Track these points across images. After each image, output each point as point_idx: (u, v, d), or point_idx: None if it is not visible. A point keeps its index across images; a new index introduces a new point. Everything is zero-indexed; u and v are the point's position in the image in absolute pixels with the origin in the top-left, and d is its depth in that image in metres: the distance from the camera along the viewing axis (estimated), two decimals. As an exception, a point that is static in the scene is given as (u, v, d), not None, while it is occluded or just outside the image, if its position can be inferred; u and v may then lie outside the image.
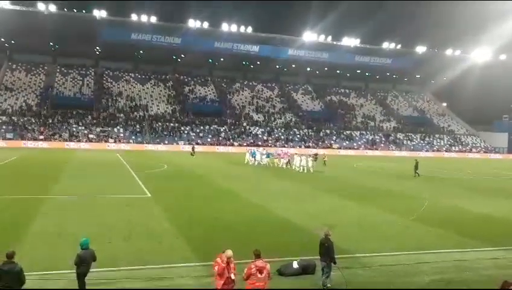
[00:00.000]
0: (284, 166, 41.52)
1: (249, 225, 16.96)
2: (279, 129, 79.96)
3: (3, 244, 11.40)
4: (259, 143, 72.93)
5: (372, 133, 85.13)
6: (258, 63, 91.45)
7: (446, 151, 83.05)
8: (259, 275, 8.55)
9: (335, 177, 36.00)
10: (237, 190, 25.87)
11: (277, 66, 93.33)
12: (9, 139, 61.94)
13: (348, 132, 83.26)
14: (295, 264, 11.45)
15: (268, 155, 45.42)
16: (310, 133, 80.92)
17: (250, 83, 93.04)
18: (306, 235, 15.47)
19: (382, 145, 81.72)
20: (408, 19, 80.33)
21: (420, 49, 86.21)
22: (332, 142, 79.17)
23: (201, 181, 30.14)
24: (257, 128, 78.69)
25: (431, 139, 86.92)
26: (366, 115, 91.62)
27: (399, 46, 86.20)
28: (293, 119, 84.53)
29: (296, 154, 41.41)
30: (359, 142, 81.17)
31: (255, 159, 44.57)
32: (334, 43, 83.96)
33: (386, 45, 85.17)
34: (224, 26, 76.38)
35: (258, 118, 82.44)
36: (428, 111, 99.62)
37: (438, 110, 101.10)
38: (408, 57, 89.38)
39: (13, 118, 67.00)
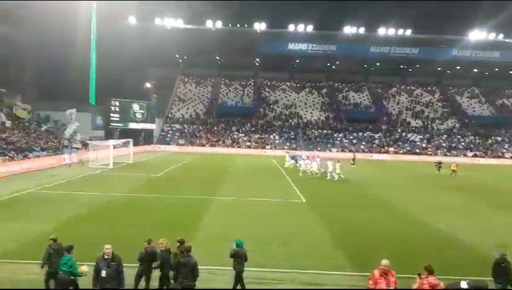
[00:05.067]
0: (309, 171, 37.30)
1: (408, 238, 16.13)
2: (440, 136, 74.28)
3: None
4: (417, 151, 68.94)
5: (557, 141, 73.25)
6: (417, 66, 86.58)
7: None
8: None
9: (510, 190, 32.03)
10: (392, 200, 24.88)
11: (438, 68, 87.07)
12: (181, 144, 69.77)
13: (525, 140, 73.13)
14: (464, 284, 10.48)
15: (295, 159, 42.50)
16: (477, 140, 73.25)
17: (408, 87, 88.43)
18: (473, 253, 14.20)
19: None
20: None
21: None
22: (504, 151, 70.40)
23: (356, 188, 29.71)
24: (415, 135, 74.33)
25: None
26: (548, 120, 79.29)
27: None
28: (457, 126, 77.62)
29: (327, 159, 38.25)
30: (539, 152, 70.62)
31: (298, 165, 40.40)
32: (507, 40, 74.74)
33: None
34: (381, 31, 74.28)
35: (416, 123, 77.84)
36: None
37: None
38: None
39: (184, 125, 75.38)
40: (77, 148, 45.57)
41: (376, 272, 8.42)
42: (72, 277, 9.14)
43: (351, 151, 63.61)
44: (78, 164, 39.74)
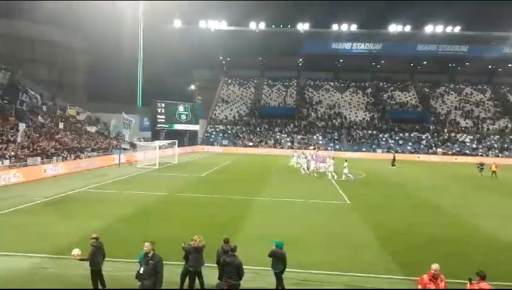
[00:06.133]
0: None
1: (455, 242, 15.61)
2: (491, 137, 71.14)
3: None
4: (467, 151, 66.33)
5: None
6: (467, 64, 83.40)
7: None
8: None
9: None
10: (437, 202, 24.27)
11: (489, 66, 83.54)
12: (225, 145, 70.58)
13: None
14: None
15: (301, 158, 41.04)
16: (532, 141, 69.65)
17: (457, 86, 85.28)
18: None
19: None
20: None
21: None
22: None
23: (400, 190, 29.07)
24: (465, 135, 71.58)
25: None
26: None
27: None
28: (509, 126, 74.07)
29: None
30: None
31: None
32: None
33: None
34: (429, 28, 72.12)
35: (466, 124, 74.94)
36: None
37: None
38: None
39: (228, 126, 76.20)
40: (126, 149, 47.08)
41: (425, 276, 8.27)
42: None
43: (396, 152, 62.05)
44: (126, 164, 41.07)
